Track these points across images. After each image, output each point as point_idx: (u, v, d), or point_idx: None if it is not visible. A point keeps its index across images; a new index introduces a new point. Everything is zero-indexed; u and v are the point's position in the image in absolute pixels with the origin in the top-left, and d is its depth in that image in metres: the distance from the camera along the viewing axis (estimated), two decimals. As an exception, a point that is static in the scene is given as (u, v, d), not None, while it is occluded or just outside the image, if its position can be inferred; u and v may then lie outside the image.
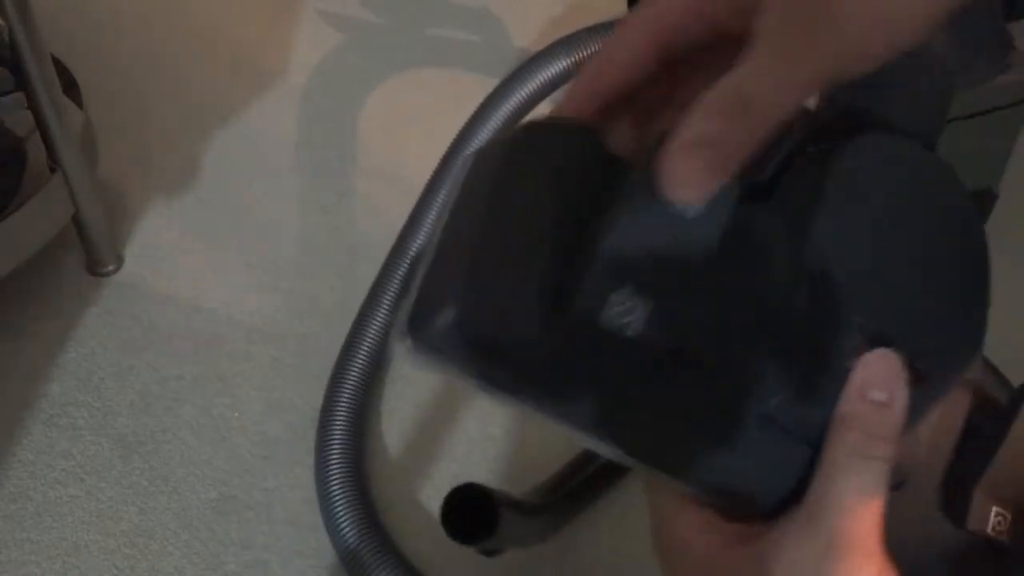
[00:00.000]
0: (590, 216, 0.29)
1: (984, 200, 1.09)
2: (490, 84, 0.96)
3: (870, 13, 0.26)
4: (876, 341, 0.29)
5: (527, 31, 1.33)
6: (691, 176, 0.27)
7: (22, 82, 0.90)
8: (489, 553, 0.68)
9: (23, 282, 0.99)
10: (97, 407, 0.91)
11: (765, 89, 0.27)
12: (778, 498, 0.30)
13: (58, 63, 0.98)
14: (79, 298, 1.01)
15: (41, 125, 0.92)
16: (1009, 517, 0.31)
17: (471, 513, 0.62)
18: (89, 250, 1.01)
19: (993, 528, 0.31)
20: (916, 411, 0.29)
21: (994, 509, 0.32)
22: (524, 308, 0.28)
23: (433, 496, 0.87)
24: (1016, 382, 1.00)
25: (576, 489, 0.82)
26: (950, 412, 0.32)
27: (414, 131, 1.18)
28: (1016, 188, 1.11)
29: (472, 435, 0.91)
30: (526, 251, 0.29)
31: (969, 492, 0.32)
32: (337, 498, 0.82)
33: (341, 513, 0.81)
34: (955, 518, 0.32)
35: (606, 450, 0.30)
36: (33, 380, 0.93)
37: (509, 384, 0.29)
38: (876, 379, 0.28)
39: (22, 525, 0.82)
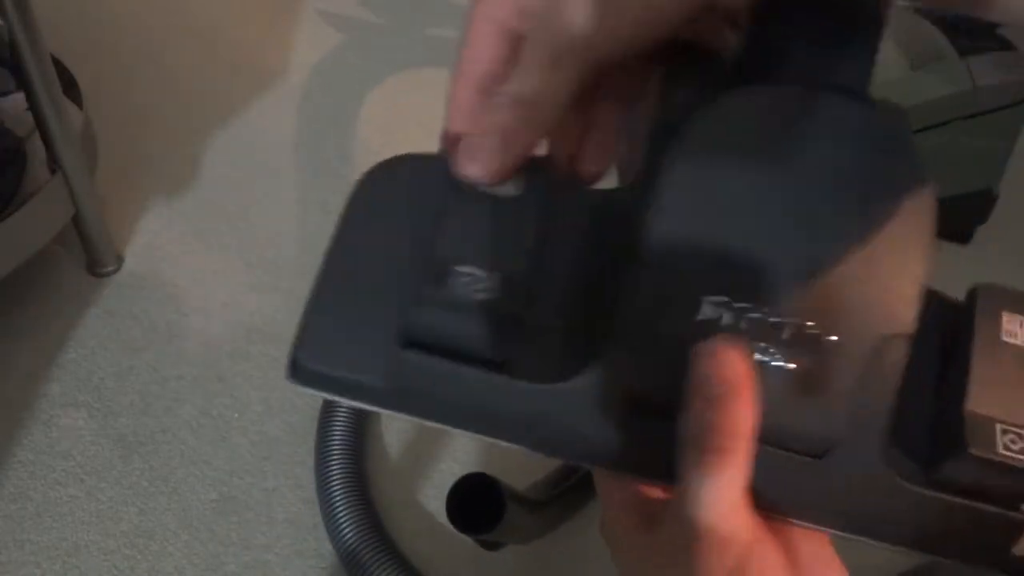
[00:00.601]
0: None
1: (984, 200, 1.09)
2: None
3: None
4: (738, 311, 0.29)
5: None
6: (474, 156, 0.31)
7: (22, 82, 0.90)
8: (490, 546, 0.68)
9: (23, 282, 0.99)
10: (97, 407, 0.91)
11: (532, 80, 0.31)
12: (656, 470, 0.30)
13: (58, 63, 0.98)
14: (79, 298, 1.01)
15: (41, 125, 0.92)
16: None
17: (476, 504, 0.62)
18: (89, 250, 1.01)
19: (1006, 448, 0.29)
20: (813, 378, 0.29)
21: (999, 427, 0.29)
22: (365, 343, 0.31)
23: (433, 496, 0.87)
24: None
25: (575, 486, 0.82)
26: (878, 367, 0.29)
27: (414, 131, 1.18)
28: (1016, 188, 1.11)
29: (472, 435, 0.91)
30: (370, 285, 0.31)
31: (957, 415, 0.30)
32: (337, 498, 0.82)
33: (341, 513, 0.81)
34: (943, 452, 0.30)
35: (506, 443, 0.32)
36: (33, 380, 0.93)
37: (376, 405, 0.31)
38: (710, 373, 0.28)
39: (22, 525, 0.82)
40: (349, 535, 0.80)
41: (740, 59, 0.33)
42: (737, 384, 0.28)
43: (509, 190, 0.32)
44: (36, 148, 0.94)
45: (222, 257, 1.05)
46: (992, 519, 0.30)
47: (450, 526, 0.61)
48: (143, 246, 1.06)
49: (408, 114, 1.23)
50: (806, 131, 0.30)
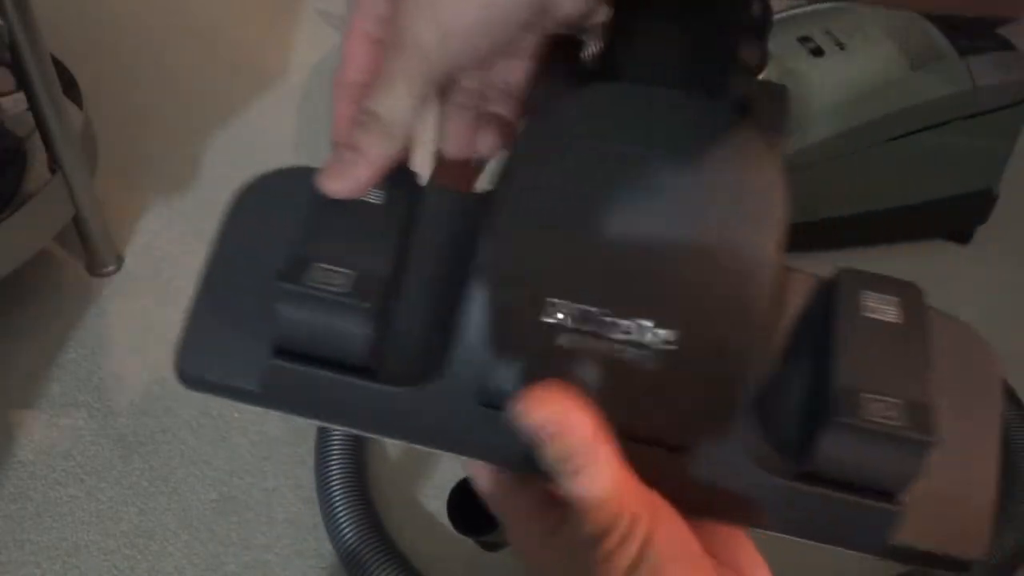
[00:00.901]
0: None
1: (984, 200, 1.09)
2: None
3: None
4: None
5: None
6: (334, 171, 0.32)
7: (22, 82, 0.90)
8: (490, 547, 0.68)
9: (23, 282, 0.99)
10: (97, 407, 0.91)
11: (385, 105, 0.32)
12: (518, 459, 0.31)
13: (58, 63, 0.98)
14: (79, 298, 1.01)
15: (41, 125, 0.92)
16: (900, 402, 0.29)
17: (476, 505, 0.62)
18: (89, 250, 1.01)
19: (881, 416, 0.29)
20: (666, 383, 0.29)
21: (866, 396, 0.29)
22: (241, 348, 0.32)
23: (433, 496, 0.87)
24: (1017, 383, 1.00)
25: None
26: (731, 358, 0.29)
27: (414, 131, 1.18)
28: (1016, 188, 1.11)
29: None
30: (247, 292, 0.33)
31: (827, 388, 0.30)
32: (337, 498, 0.82)
33: (341, 513, 0.81)
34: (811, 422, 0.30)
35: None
36: (33, 380, 0.93)
37: (254, 406, 0.32)
38: (541, 415, 0.29)
39: (22, 526, 0.82)
40: (349, 535, 0.80)
41: (601, 55, 0.33)
42: (561, 417, 0.28)
43: (378, 196, 0.33)
44: (36, 148, 0.94)
45: (222, 257, 1.05)
46: (867, 508, 0.30)
47: (450, 526, 0.61)
48: (143, 246, 1.06)
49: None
50: (648, 127, 0.31)
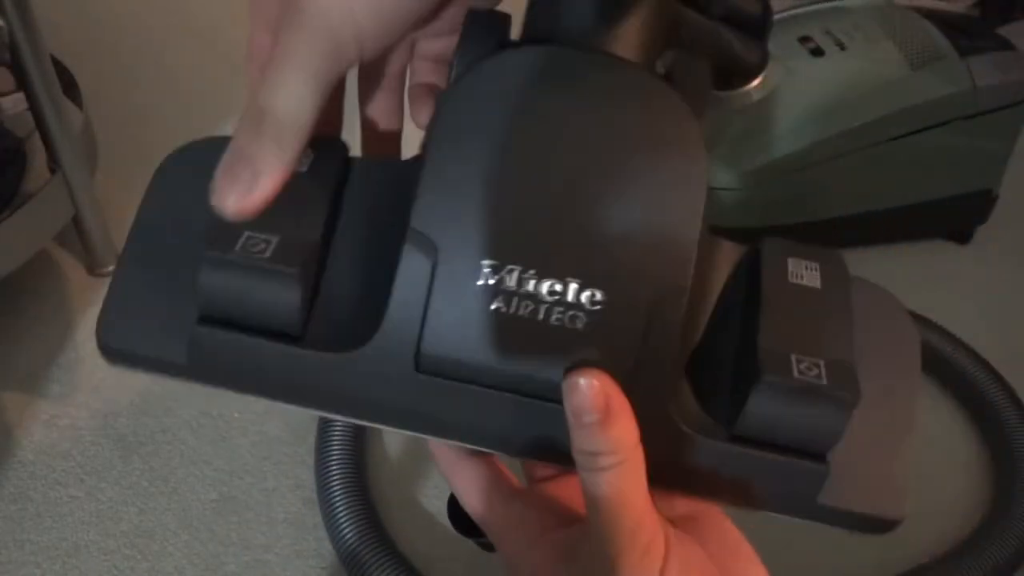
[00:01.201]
0: None
1: (984, 200, 1.09)
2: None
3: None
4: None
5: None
6: (227, 191, 0.28)
7: (22, 82, 0.90)
8: (490, 548, 0.68)
9: (23, 282, 0.99)
10: (97, 407, 0.91)
11: (277, 100, 0.28)
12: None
13: (58, 63, 0.98)
14: (79, 298, 1.01)
15: (41, 125, 0.92)
16: (824, 361, 0.29)
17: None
18: (89, 250, 1.01)
19: (802, 374, 0.29)
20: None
21: (794, 357, 0.30)
22: (166, 320, 0.31)
23: (433, 496, 0.87)
24: (1017, 383, 1.00)
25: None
26: (658, 321, 0.30)
27: (412, 130, 1.18)
28: (1016, 188, 1.11)
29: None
30: (170, 262, 0.32)
31: (751, 348, 0.30)
32: (337, 498, 0.82)
33: (341, 513, 0.81)
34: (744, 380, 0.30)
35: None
36: (33, 380, 0.93)
37: (181, 379, 0.32)
38: (584, 403, 0.28)
39: (22, 526, 0.82)
40: (349, 535, 0.80)
41: (525, 21, 0.33)
42: (608, 409, 0.28)
43: (306, 162, 0.32)
44: (36, 148, 0.94)
45: (222, 257, 1.05)
46: (796, 469, 0.31)
47: (450, 526, 0.61)
48: (143, 246, 1.05)
49: (407, 114, 1.23)
50: (565, 91, 0.31)
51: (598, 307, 0.30)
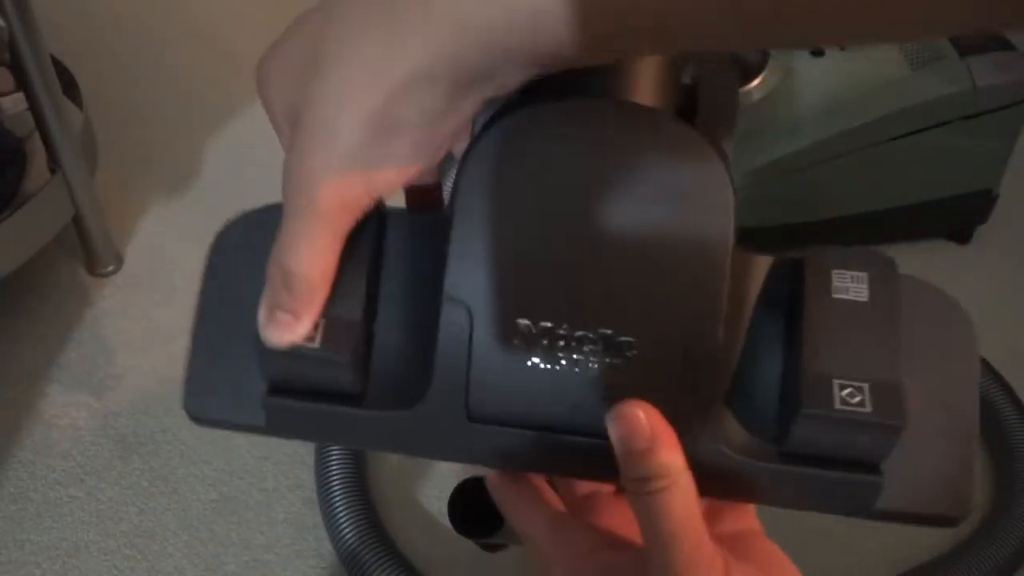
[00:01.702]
0: None
1: (984, 200, 1.09)
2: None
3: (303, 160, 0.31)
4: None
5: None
6: (271, 331, 0.31)
7: (22, 82, 0.90)
8: (491, 548, 0.68)
9: (23, 282, 0.99)
10: (97, 407, 0.91)
11: (298, 265, 0.30)
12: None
13: (58, 63, 0.98)
14: (79, 298, 1.01)
15: (41, 125, 0.92)
16: (866, 387, 0.30)
17: (477, 507, 0.62)
18: (89, 250, 1.01)
19: (844, 403, 0.29)
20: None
21: (837, 383, 0.30)
22: (241, 388, 0.34)
23: (433, 496, 0.87)
24: (1017, 383, 1.00)
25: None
26: (697, 357, 0.30)
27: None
28: (1016, 188, 1.11)
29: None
30: (239, 332, 0.34)
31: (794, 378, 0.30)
32: (337, 498, 0.82)
33: (341, 513, 0.81)
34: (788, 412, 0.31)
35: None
36: (33, 380, 0.93)
37: (263, 435, 0.35)
38: (630, 431, 0.29)
39: (22, 526, 0.82)
40: (349, 535, 0.80)
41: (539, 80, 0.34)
42: (654, 435, 0.29)
43: None
44: (36, 148, 0.94)
45: (222, 257, 1.05)
46: (850, 481, 0.31)
47: (450, 526, 0.61)
48: (143, 246, 1.06)
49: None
50: (585, 143, 0.31)
51: (632, 352, 0.30)
